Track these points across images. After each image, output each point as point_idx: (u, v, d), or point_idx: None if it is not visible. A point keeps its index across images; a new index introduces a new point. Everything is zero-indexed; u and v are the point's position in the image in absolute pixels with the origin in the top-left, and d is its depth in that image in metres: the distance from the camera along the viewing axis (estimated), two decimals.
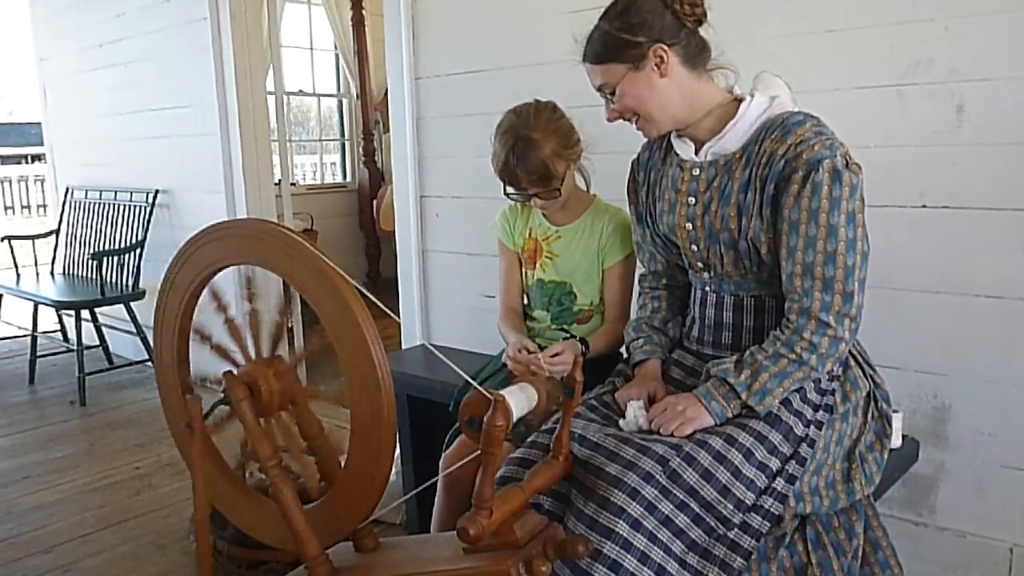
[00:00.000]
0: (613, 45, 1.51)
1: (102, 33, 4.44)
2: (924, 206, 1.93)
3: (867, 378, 1.59)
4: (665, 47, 1.48)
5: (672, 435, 1.44)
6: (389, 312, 1.38)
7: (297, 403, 1.40)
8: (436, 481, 1.96)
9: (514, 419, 1.25)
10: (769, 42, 2.06)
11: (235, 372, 1.38)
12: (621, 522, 1.30)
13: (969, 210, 1.87)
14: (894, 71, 1.92)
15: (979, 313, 1.89)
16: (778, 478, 1.42)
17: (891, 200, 1.95)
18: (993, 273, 1.87)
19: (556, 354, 1.81)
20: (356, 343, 1.21)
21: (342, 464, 1.37)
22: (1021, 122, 1.79)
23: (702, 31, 1.54)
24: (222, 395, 1.36)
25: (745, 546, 1.37)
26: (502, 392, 1.23)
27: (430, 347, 1.61)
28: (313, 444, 1.42)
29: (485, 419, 1.19)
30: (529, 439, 1.54)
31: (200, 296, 1.46)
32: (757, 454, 1.41)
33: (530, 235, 2.05)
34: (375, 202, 6.31)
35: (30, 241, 4.81)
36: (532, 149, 1.82)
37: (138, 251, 4.20)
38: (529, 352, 1.86)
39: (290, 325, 3.86)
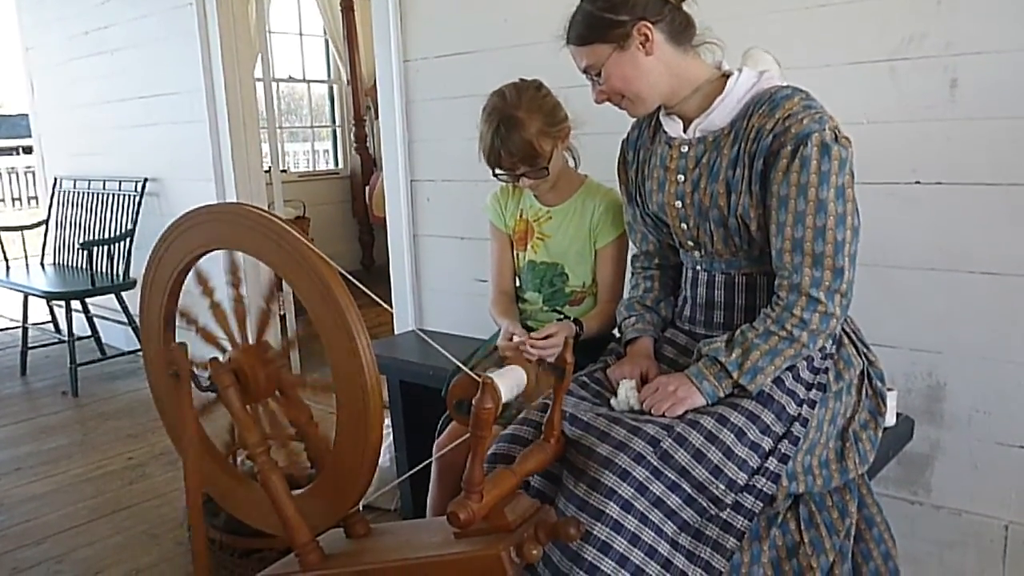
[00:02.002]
0: (597, 26, 1.48)
1: (87, 20, 4.39)
2: (918, 182, 1.91)
3: (861, 356, 1.58)
4: (649, 25, 1.46)
5: (663, 415, 1.43)
6: (378, 300, 1.36)
7: (285, 390, 1.39)
8: (430, 467, 1.95)
9: (503, 402, 1.24)
10: (761, 18, 2.03)
11: (221, 359, 1.36)
12: (611, 503, 1.29)
13: (963, 186, 1.86)
14: (887, 46, 1.89)
15: (974, 290, 1.88)
16: (771, 458, 1.41)
17: (884, 177, 1.93)
18: (988, 249, 1.85)
19: (549, 335, 1.80)
20: (336, 320, 1.20)
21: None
22: (1015, 96, 1.76)
23: (685, 7, 1.52)
24: (208, 383, 1.35)
25: (738, 526, 1.36)
26: (491, 375, 1.21)
27: (420, 333, 1.59)
28: (302, 430, 1.40)
29: (474, 402, 1.17)
30: (520, 415, 1.52)
31: (183, 283, 1.44)
32: (749, 434, 1.40)
33: (521, 216, 2.03)
34: (367, 189, 6.28)
35: (19, 232, 4.78)
36: (517, 128, 1.80)
37: (128, 240, 4.16)
38: (517, 339, 1.84)
39: (281, 313, 3.87)
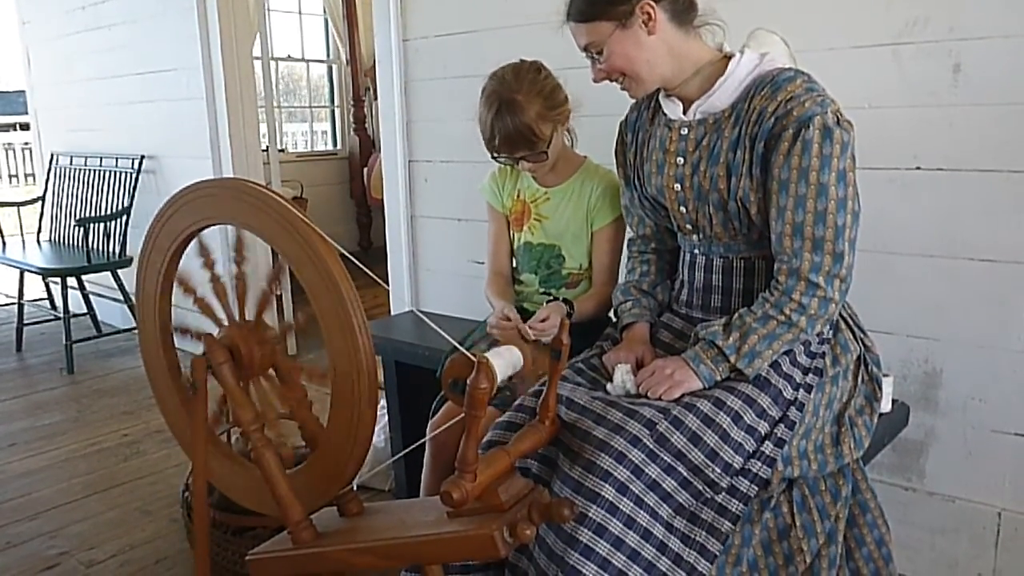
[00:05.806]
0: (599, 2, 1.47)
1: None
2: (918, 168, 1.90)
3: (858, 341, 1.57)
4: (653, 3, 1.44)
5: (660, 399, 1.42)
6: (375, 278, 1.35)
7: (280, 369, 1.38)
8: (424, 447, 1.95)
9: (499, 381, 1.23)
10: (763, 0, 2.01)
11: (216, 335, 1.36)
12: (607, 486, 1.29)
13: (964, 172, 1.85)
14: (890, 30, 1.88)
15: (972, 277, 1.87)
16: (767, 442, 1.41)
17: (885, 162, 1.92)
18: (987, 236, 1.84)
19: (543, 319, 1.79)
20: (333, 298, 1.19)
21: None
22: (1018, 82, 1.75)
23: None
24: (202, 356, 1.34)
25: (733, 510, 1.36)
26: (486, 354, 1.21)
27: (418, 313, 1.58)
28: (296, 409, 1.40)
29: (468, 381, 1.16)
30: (516, 402, 1.51)
31: (181, 258, 1.43)
32: (746, 417, 1.39)
33: (518, 197, 2.01)
34: (366, 170, 6.26)
35: (16, 208, 4.76)
36: (517, 112, 1.78)
37: (124, 217, 4.14)
38: (510, 320, 1.84)
39: (278, 292, 3.86)
